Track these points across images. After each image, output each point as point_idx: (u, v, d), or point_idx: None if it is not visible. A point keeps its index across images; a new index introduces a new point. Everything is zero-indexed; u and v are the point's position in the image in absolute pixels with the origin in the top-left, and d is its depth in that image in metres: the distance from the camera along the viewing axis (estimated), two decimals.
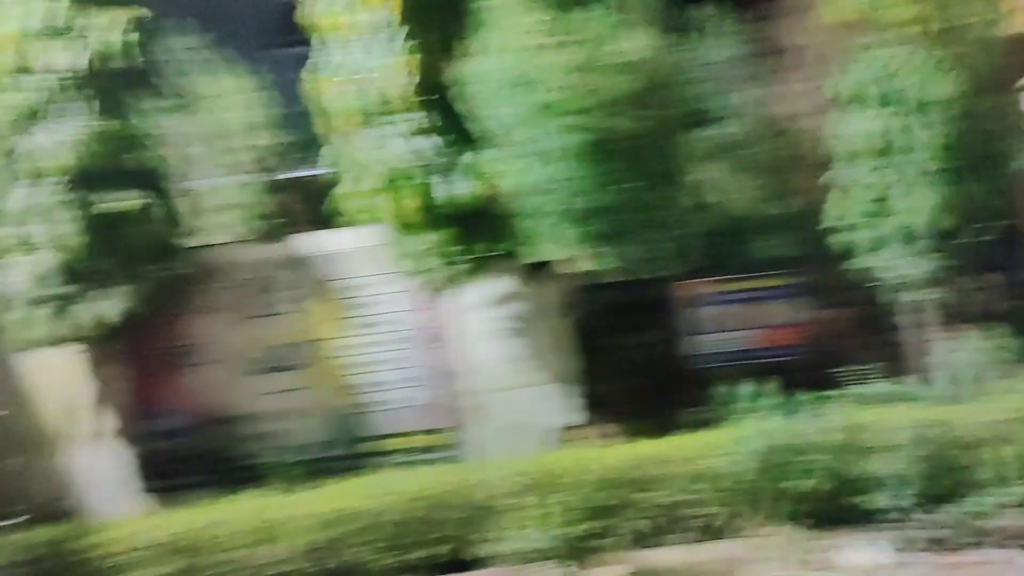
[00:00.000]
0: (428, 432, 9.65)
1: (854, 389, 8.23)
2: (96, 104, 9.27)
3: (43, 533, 7.93)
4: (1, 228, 9.18)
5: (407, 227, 8.81)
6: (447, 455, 9.32)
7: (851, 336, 9.37)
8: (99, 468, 9.76)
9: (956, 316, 8.65)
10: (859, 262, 8.61)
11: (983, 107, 8.57)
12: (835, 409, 7.51)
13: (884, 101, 8.41)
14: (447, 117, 8.57)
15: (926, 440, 7.17)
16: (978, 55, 8.60)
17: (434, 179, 8.62)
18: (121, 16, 9.37)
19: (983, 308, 8.92)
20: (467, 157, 8.61)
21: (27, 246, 9.12)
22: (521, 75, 7.94)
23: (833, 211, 8.66)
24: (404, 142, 8.63)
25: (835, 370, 8.66)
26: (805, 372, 8.54)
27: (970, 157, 8.34)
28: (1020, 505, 7.10)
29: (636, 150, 8.27)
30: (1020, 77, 8.57)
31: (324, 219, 9.49)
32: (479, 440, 9.41)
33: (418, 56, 8.49)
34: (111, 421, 9.89)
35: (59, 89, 9.19)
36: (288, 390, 9.81)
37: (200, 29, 10.48)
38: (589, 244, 8.41)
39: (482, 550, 7.55)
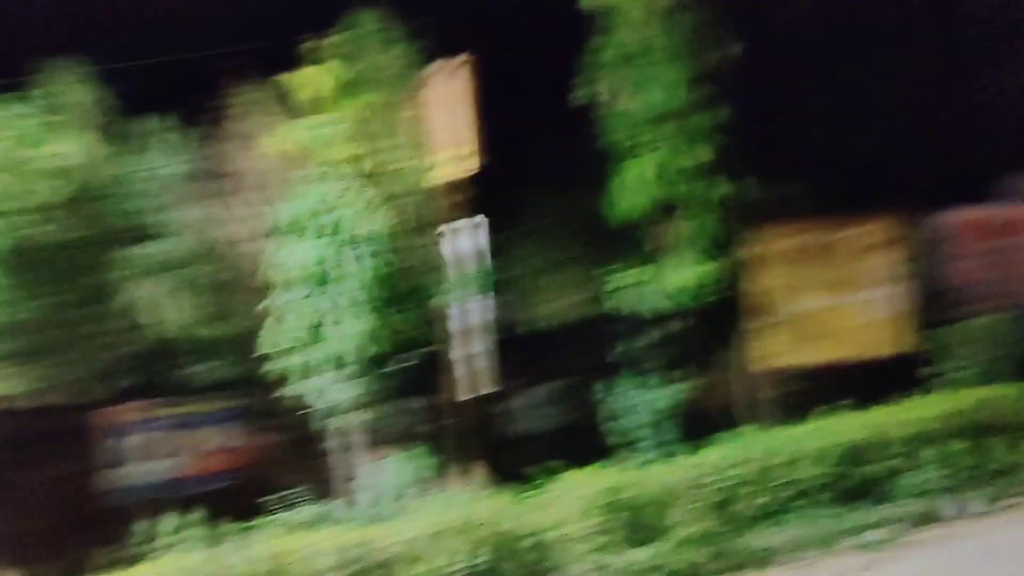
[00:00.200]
0: None
1: (283, 515, 8.23)
2: None
3: None
4: None
5: None
6: None
7: (282, 461, 9.45)
8: None
9: (381, 439, 9.16)
10: (292, 387, 8.78)
11: (409, 245, 9.42)
12: (262, 537, 7.41)
13: (320, 232, 8.81)
14: None
15: (349, 562, 7.35)
16: (407, 198, 9.48)
17: None
18: None
19: (406, 431, 9.56)
20: None
21: None
22: None
23: (268, 337, 8.77)
24: None
25: (266, 496, 8.61)
26: (235, 499, 8.35)
27: (397, 290, 9.04)
28: None
29: (62, 262, 7.68)
30: (442, 221, 9.53)
31: None
32: None
33: None
34: None
35: None
36: None
37: None
38: (2, 362, 7.55)
39: None
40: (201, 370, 9.26)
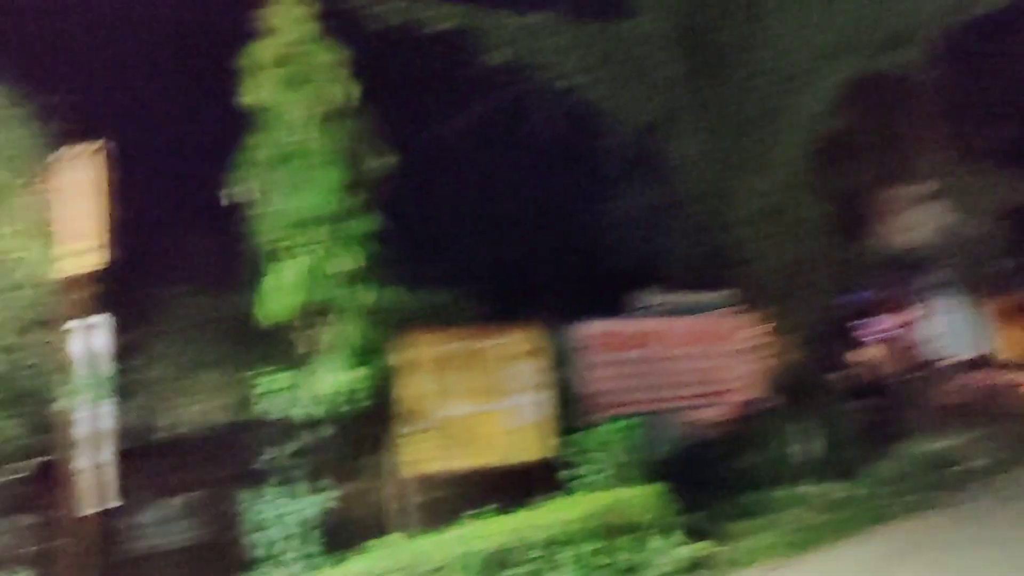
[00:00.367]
0: None
1: None
2: None
3: None
4: None
5: None
6: None
7: None
8: None
9: None
10: None
11: (27, 343, 8.51)
12: None
13: None
14: None
15: None
16: (25, 291, 8.59)
17: None
18: None
19: (12, 552, 8.47)
20: None
21: None
22: None
23: None
24: None
25: None
26: None
27: (9, 391, 8.10)
28: None
29: None
30: (68, 318, 8.77)
31: None
32: None
33: None
34: None
35: None
36: None
37: None
38: None
39: None
40: None
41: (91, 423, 8.41)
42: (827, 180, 13.97)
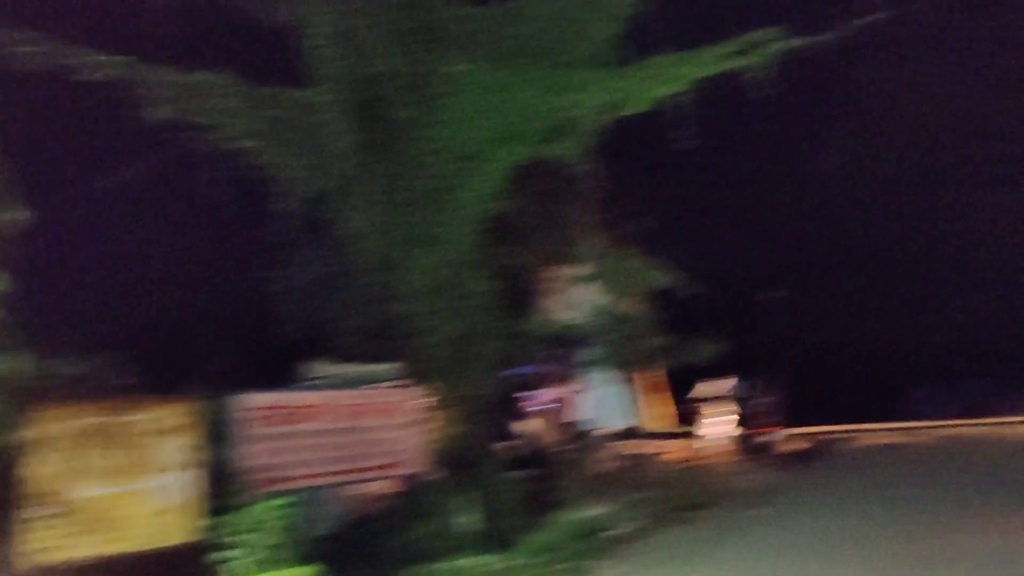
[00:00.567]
0: None
1: None
2: None
3: None
4: None
5: None
6: None
7: None
8: None
9: None
10: None
11: None
12: None
13: None
14: None
15: None
16: None
17: None
18: None
19: None
20: None
21: None
22: None
23: None
24: None
25: None
26: None
27: None
28: None
29: None
30: None
31: None
32: None
33: None
34: None
35: None
36: None
37: None
38: None
39: None
40: None
41: None
42: (494, 258, 14.52)
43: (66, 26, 11.60)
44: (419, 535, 12.25)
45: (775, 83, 13.30)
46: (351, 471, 11.98)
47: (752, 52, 13.59)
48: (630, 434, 24.42)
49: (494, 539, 12.60)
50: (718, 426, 26.56)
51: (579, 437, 18.79)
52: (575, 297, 17.80)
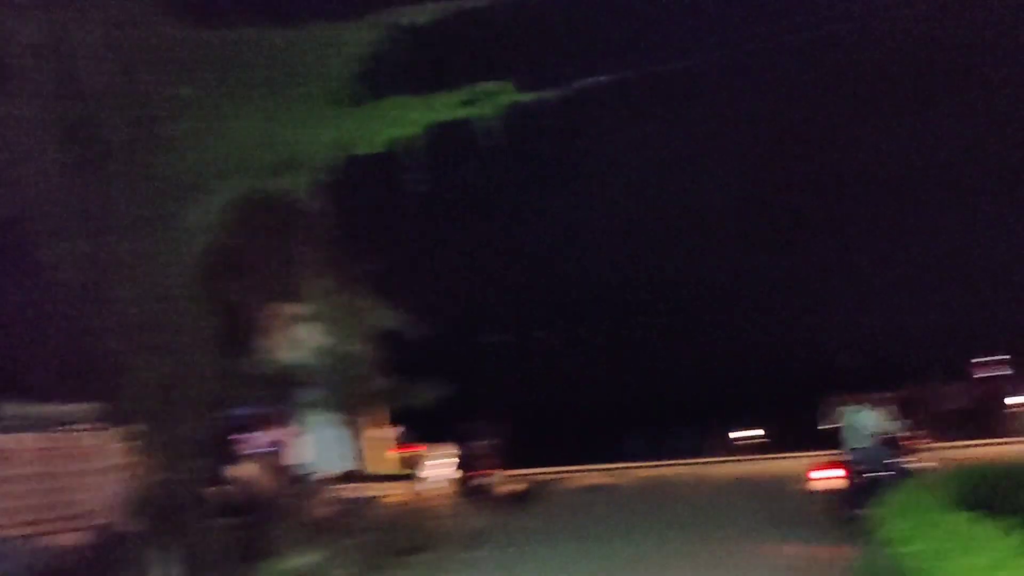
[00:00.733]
0: None
1: None
2: None
3: None
4: None
5: None
6: None
7: None
8: None
9: None
10: None
11: None
12: None
13: None
14: None
15: None
16: None
17: None
18: None
19: None
20: None
21: None
22: None
23: None
24: None
25: None
26: None
27: None
28: None
29: None
30: None
31: None
32: None
33: None
34: None
35: None
36: None
37: None
38: None
39: None
40: None
41: None
42: (212, 293, 13.82)
43: None
44: None
45: (507, 131, 13.68)
46: (39, 522, 10.87)
47: (482, 102, 13.93)
48: (350, 478, 24.04)
49: None
50: (438, 469, 26.71)
51: (296, 481, 18.21)
52: (297, 336, 17.34)
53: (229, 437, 17.51)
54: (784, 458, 31.58)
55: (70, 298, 12.37)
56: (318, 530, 15.88)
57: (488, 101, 14.11)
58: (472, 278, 40.17)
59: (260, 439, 18.85)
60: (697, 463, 32.58)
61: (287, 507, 16.52)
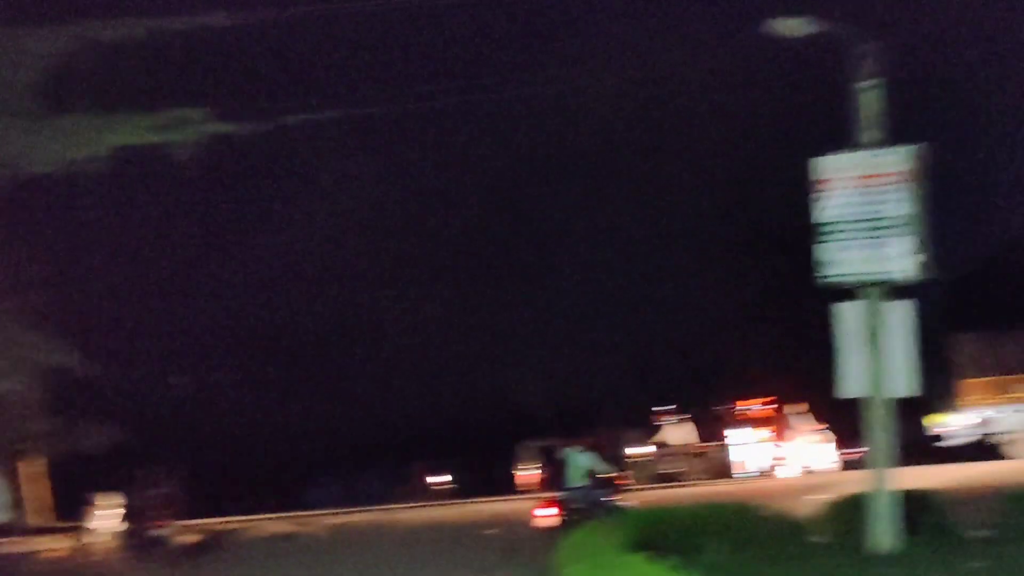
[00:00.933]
0: None
1: None
2: None
3: None
4: None
5: None
6: None
7: None
8: None
9: None
10: None
11: None
12: None
13: None
14: None
15: None
16: None
17: None
18: None
19: None
20: None
21: None
22: None
23: None
24: None
25: None
26: None
27: None
28: None
29: None
30: None
31: None
32: None
33: None
34: None
35: None
36: None
37: None
38: None
39: None
40: None
41: None
42: None
43: None
44: None
45: (202, 161, 13.10)
46: None
47: (177, 128, 13.27)
48: (5, 530, 21.68)
49: None
50: (106, 520, 24.71)
51: None
52: None
53: None
54: (476, 502, 32.24)
55: None
56: None
57: (183, 128, 13.47)
58: (157, 315, 37.85)
59: None
60: (388, 509, 32.48)
61: None
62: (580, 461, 16.70)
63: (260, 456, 41.45)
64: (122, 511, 24.41)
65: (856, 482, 12.19)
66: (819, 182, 11.42)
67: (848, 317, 11.54)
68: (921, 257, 10.99)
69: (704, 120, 40.93)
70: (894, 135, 11.49)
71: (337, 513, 31.44)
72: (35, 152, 12.70)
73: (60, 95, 13.04)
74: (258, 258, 41.13)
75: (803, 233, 11.77)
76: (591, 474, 16.64)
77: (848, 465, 33.61)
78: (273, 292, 41.89)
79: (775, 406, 38.40)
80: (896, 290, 11.41)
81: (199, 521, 27.72)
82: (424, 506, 34.05)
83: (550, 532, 15.86)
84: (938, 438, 33.31)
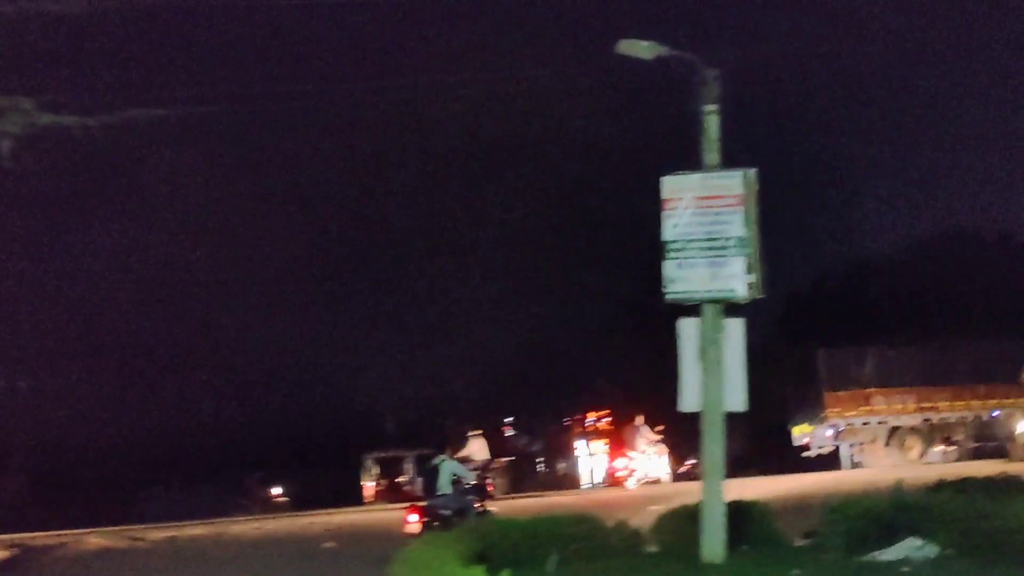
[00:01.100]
0: None
1: None
2: None
3: None
4: None
5: None
6: None
7: None
8: None
9: None
10: None
11: None
12: None
13: None
14: None
15: None
16: None
17: None
18: None
19: None
20: None
21: None
22: None
23: None
24: None
25: None
26: None
27: None
28: None
29: None
30: None
31: None
32: None
33: None
34: None
35: None
36: None
37: None
38: None
39: None
40: None
41: None
42: None
43: None
44: None
45: (37, 154, 12.31)
46: None
47: (4, 117, 12.45)
48: None
49: None
50: None
51: None
52: None
53: None
54: (317, 514, 31.57)
55: None
56: None
57: (10, 117, 12.65)
58: None
59: None
60: (223, 522, 31.35)
61: None
62: (447, 468, 17.32)
63: (89, 466, 39.43)
64: None
65: (694, 493, 12.50)
66: (665, 201, 11.70)
67: (690, 333, 11.84)
68: (752, 277, 11.37)
69: (566, 132, 41.60)
70: (741, 158, 11.89)
71: (169, 526, 30.13)
72: None
73: None
74: (92, 259, 39.16)
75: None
76: (456, 481, 17.26)
77: (684, 477, 34.64)
78: (107, 295, 39.91)
79: (614, 418, 39.30)
80: (734, 308, 11.78)
81: (10, 536, 25.96)
82: (263, 519, 33.08)
83: (412, 539, 15.74)
84: (805, 448, 34.87)
